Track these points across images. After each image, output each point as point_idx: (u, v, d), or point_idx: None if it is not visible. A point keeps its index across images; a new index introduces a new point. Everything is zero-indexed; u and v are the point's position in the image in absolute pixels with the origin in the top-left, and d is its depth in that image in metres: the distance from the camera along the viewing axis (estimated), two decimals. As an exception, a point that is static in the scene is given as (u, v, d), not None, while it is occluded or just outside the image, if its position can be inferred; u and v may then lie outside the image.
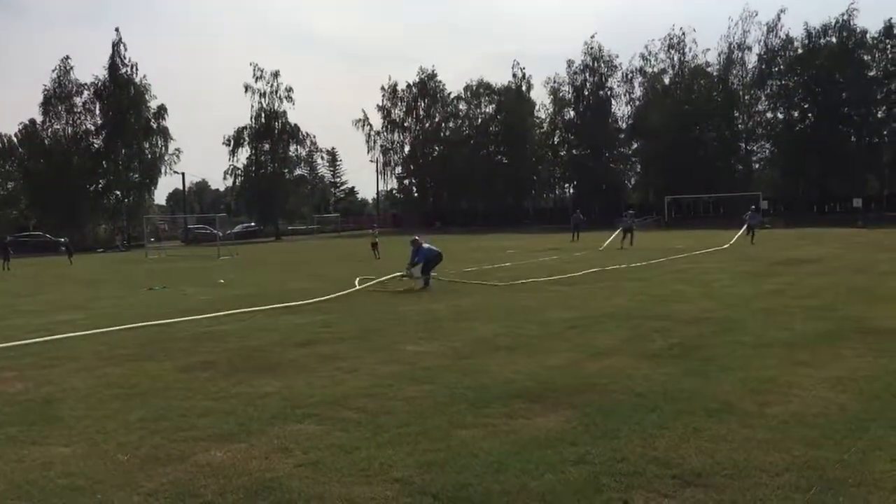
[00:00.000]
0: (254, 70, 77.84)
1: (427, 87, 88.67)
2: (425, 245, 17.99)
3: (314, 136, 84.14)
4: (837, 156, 65.35)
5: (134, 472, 5.14)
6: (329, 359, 8.91)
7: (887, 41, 67.39)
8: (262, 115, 78.28)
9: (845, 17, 68.32)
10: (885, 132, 69.93)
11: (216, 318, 13.37)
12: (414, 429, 5.88)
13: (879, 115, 69.68)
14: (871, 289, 14.48)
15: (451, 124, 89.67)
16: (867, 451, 5.01)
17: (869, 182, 71.36)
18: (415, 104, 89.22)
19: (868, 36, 68.01)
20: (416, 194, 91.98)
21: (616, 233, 36.11)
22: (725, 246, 30.31)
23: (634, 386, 7.02)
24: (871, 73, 68.06)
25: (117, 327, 12.45)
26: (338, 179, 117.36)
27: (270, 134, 78.32)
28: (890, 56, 67.65)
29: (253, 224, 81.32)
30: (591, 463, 4.97)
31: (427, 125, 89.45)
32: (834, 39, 68.61)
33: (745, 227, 35.29)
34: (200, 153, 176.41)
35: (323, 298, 15.65)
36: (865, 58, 68.11)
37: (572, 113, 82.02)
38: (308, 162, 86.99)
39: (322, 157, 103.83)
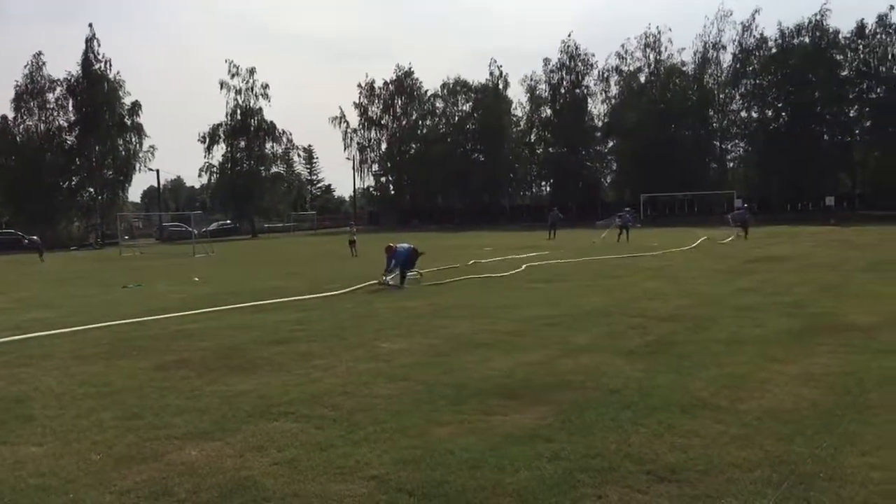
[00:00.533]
0: (229, 67, 77.24)
1: (404, 84, 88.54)
2: (399, 246, 17.90)
3: (291, 134, 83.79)
4: (810, 154, 66.12)
5: (107, 472, 5.09)
6: (305, 357, 8.88)
7: (859, 41, 68.31)
8: (238, 112, 77.66)
9: (818, 18, 69.22)
10: (856, 131, 70.92)
11: (191, 316, 13.27)
12: (390, 426, 5.87)
13: (851, 115, 70.67)
14: (842, 286, 14.67)
15: (428, 122, 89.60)
16: (838, 445, 5.08)
17: (841, 180, 72.29)
18: (392, 102, 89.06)
19: (840, 36, 68.93)
20: (392, 192, 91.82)
21: (609, 229, 37.02)
22: (725, 241, 30.59)
23: (610, 382, 7.06)
24: (844, 73, 68.96)
25: (91, 325, 12.33)
26: (314, 177, 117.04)
27: (246, 131, 77.72)
28: (861, 56, 68.58)
29: (229, 222, 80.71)
30: (567, 459, 4.99)
31: (404, 123, 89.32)
32: (807, 39, 69.44)
33: (739, 224, 36.70)
34: (176, 150, 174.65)
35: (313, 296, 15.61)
36: (838, 58, 68.97)
37: (549, 111, 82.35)
38: (284, 159, 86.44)
39: (299, 155, 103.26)
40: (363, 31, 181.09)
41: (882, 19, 67.18)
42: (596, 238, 37.12)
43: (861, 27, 67.99)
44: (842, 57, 69.23)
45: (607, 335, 9.76)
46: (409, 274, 17.59)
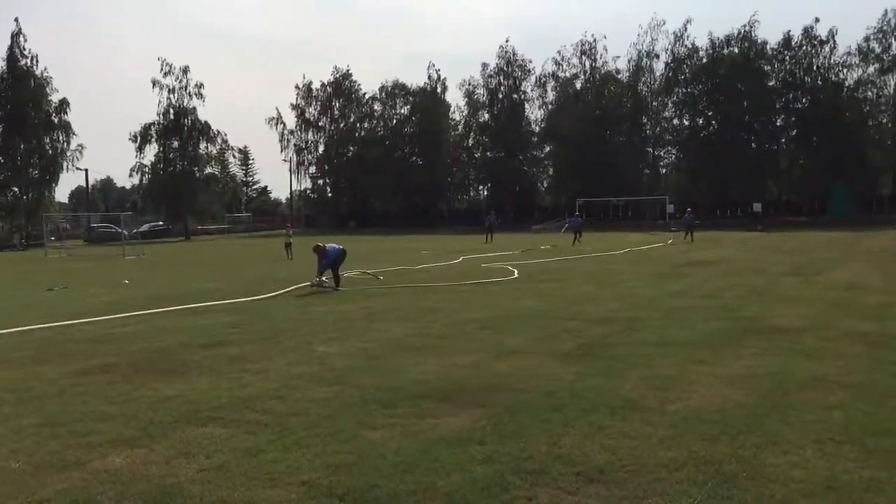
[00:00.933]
0: (162, 65, 75.61)
1: (342, 86, 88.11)
2: (328, 246, 17.73)
3: (225, 134, 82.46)
4: (739, 162, 68.05)
5: (27, 480, 4.91)
6: (237, 360, 8.73)
7: (785, 53, 70.65)
8: (171, 111, 76.09)
9: (747, 29, 71.35)
10: (782, 140, 73.37)
11: (119, 319, 12.93)
12: (322, 430, 5.81)
13: (778, 124, 73.05)
14: (768, 290, 15.10)
15: (366, 124, 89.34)
16: (761, 445, 5.21)
17: (768, 187, 74.48)
18: (330, 104, 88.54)
19: (768, 47, 71.22)
20: (330, 194, 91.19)
21: (563, 231, 38.77)
22: (669, 242, 31.11)
23: (542, 385, 7.11)
24: (771, 83, 71.24)
25: (12, 329, 11.91)
26: (250, 178, 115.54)
27: (180, 131, 76.13)
28: (788, 67, 70.93)
29: (161, 223, 79.00)
30: (498, 461, 5.00)
31: (342, 125, 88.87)
32: (736, 50, 71.52)
33: (685, 227, 39.49)
34: (106, 150, 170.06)
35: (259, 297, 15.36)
36: (765, 68, 71.24)
37: (487, 116, 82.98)
38: (219, 160, 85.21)
39: (234, 156, 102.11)
40: (300, 32, 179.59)
41: (807, 32, 69.68)
42: (546, 243, 37.51)
43: (787, 39, 70.36)
44: (769, 67, 71.53)
45: (541, 338, 9.85)
46: (330, 282, 17.36)
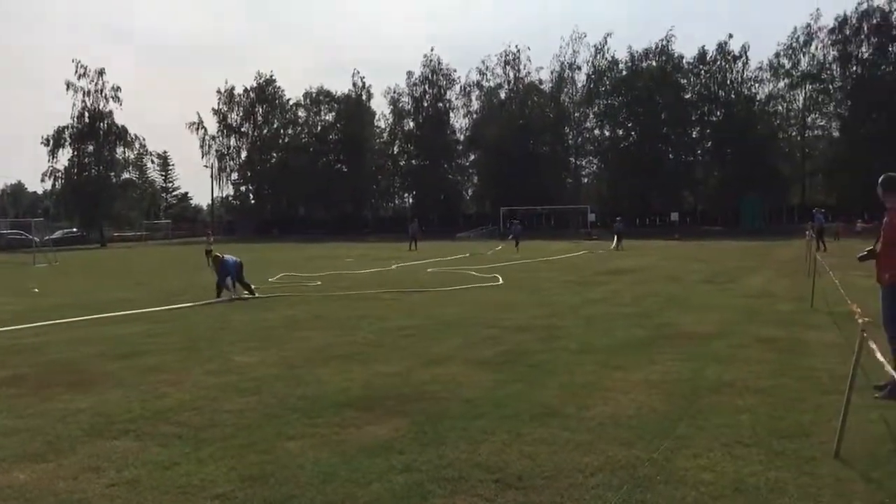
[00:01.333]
0: (76, 67, 73.30)
1: (265, 92, 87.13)
2: (227, 258, 17.32)
3: (144, 139, 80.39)
4: (657, 172, 70.03)
5: (-79, 501, 4.67)
6: (152, 371, 8.49)
7: (700, 67, 73.08)
8: (86, 114, 73.77)
9: (664, 43, 73.50)
10: (698, 151, 75.71)
11: (28, 329, 12.44)
12: (239, 441, 5.70)
13: (694, 136, 75.39)
14: (683, 297, 15.52)
15: (290, 131, 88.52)
16: (674, 449, 5.34)
17: (685, 197, 76.77)
18: (253, 109, 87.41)
19: (684, 61, 73.51)
20: (253, 201, 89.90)
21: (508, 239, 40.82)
22: (600, 252, 31.56)
23: (464, 393, 7.14)
24: (687, 96, 73.53)
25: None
26: (170, 184, 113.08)
27: (95, 135, 73.88)
28: (703, 81, 73.36)
29: (75, 230, 76.37)
30: (418, 470, 5.00)
31: (265, 131, 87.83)
32: (654, 63, 73.57)
33: (615, 235, 40.93)
34: (16, 154, 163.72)
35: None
36: (682, 81, 73.53)
37: (412, 124, 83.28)
38: (137, 165, 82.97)
39: (153, 161, 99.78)
40: (223, 36, 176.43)
41: (722, 47, 72.21)
42: (484, 250, 37.85)
43: (703, 54, 72.81)
44: (685, 81, 73.89)
45: (464, 345, 9.89)
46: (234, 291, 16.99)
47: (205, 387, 7.63)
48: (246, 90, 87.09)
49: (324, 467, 5.09)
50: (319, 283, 20.65)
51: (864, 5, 66.98)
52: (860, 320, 4.99)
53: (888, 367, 4.46)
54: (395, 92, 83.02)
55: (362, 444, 5.58)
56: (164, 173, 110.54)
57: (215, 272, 17.08)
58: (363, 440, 5.69)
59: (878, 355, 4.78)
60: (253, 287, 17.28)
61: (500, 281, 20.05)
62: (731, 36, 73.57)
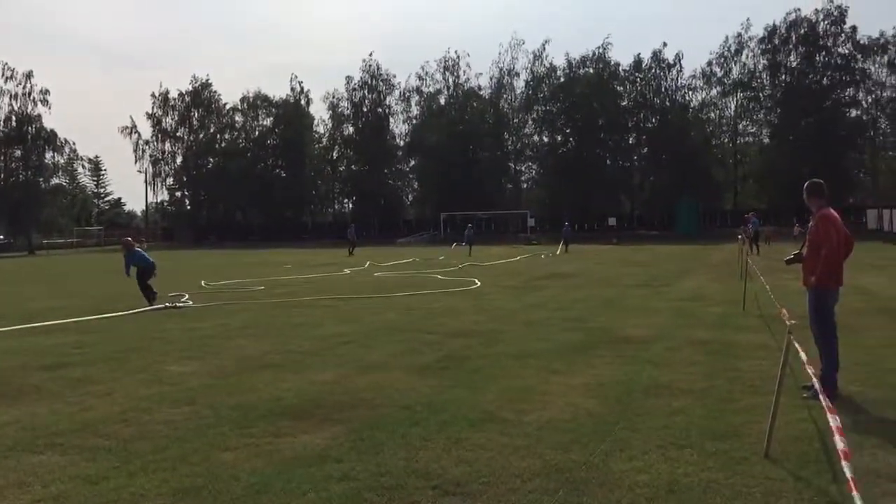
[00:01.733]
0: (3, 69, 71.04)
1: (201, 96, 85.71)
2: (138, 248, 17.00)
3: (74, 143, 78.30)
4: (595, 177, 71.10)
5: None
6: (80, 382, 8.24)
7: (636, 74, 74.49)
8: (13, 118, 71.53)
9: (601, 51, 74.73)
10: (634, 157, 77.13)
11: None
12: (171, 454, 5.56)
13: (630, 142, 76.77)
14: (619, 300, 15.76)
15: (227, 136, 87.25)
16: (610, 452, 5.40)
17: (622, 202, 78.05)
18: (188, 114, 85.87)
19: (620, 69, 74.86)
20: (189, 207, 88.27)
21: (459, 244, 41.73)
22: (545, 256, 31.75)
23: (402, 399, 7.11)
24: (623, 103, 74.83)
25: None
26: (102, 190, 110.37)
27: (23, 139, 71.72)
28: (639, 88, 74.81)
29: (2, 237, 73.90)
30: (355, 479, 4.95)
31: (201, 136, 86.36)
32: (591, 70, 74.67)
33: (562, 241, 42.86)
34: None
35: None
36: (618, 88, 74.81)
37: (351, 129, 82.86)
38: (67, 170, 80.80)
39: (84, 166, 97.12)
40: (158, 39, 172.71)
41: (656, 55, 73.72)
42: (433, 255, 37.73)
43: (638, 61, 74.26)
44: (622, 88, 75.26)
45: (402, 352, 9.86)
46: (178, 304, 16.64)
47: (136, 398, 7.44)
48: (181, 94, 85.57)
49: (258, 478, 5.00)
50: (262, 287, 20.40)
51: (793, 16, 69.36)
52: (788, 322, 5.13)
53: (809, 370, 4.58)
54: (334, 97, 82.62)
55: (298, 454, 5.51)
56: (95, 179, 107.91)
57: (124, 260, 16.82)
58: (299, 449, 5.62)
59: (803, 355, 4.91)
60: (156, 296, 16.76)
61: (478, 284, 20.09)
62: (665, 44, 75.00)
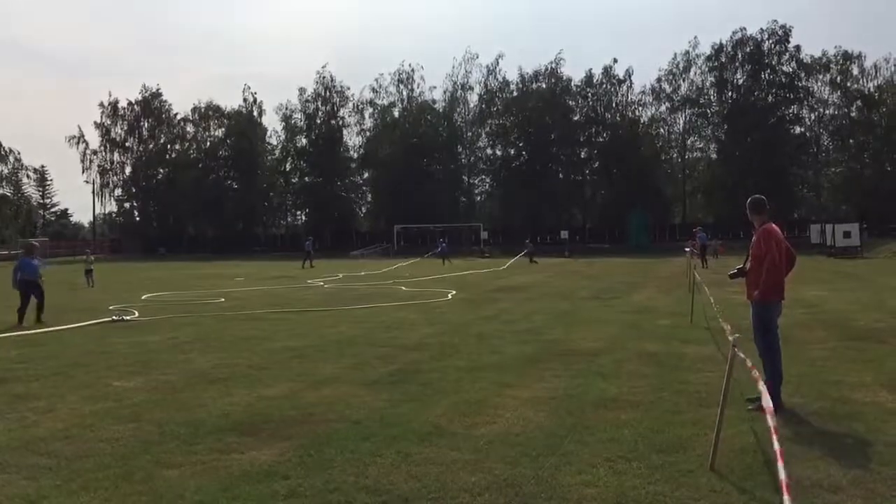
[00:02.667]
0: (-56, 76, 69.21)
1: (151, 106, 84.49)
2: (34, 261, 16.46)
3: (18, 152, 76.35)
4: (548, 191, 71.82)
5: None
6: (21, 399, 8.01)
7: (588, 90, 75.49)
8: (-45, 126, 69.72)
9: (553, 66, 75.63)
10: (586, 171, 78.08)
11: None
12: (114, 472, 5.43)
13: (582, 156, 77.74)
14: (572, 313, 15.89)
15: (177, 146, 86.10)
16: (559, 465, 5.42)
17: (574, 215, 78.86)
18: (138, 124, 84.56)
19: (572, 84, 75.77)
20: (138, 219, 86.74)
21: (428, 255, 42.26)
22: (500, 269, 31.82)
23: (352, 414, 7.05)
24: (575, 118, 75.78)
25: None
26: (48, 200, 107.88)
27: (-35, 148, 69.89)
28: (590, 103, 75.82)
29: (-58, 248, 71.77)
30: (303, 496, 4.89)
31: (151, 146, 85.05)
32: (544, 85, 75.54)
33: (524, 252, 45.14)
34: None
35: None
36: (570, 103, 75.70)
37: (305, 140, 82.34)
38: (11, 180, 78.77)
39: (28, 176, 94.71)
40: (107, 47, 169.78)
41: (607, 71, 74.88)
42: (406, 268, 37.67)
43: (589, 77, 75.32)
44: (574, 103, 76.19)
45: (353, 366, 9.79)
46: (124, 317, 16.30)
47: (79, 414, 7.25)
48: (131, 103, 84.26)
49: (204, 496, 4.90)
50: (213, 300, 20.11)
51: (739, 34, 70.98)
52: (730, 337, 5.21)
53: (754, 373, 4.64)
54: (287, 108, 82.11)
55: (244, 471, 5.42)
56: (41, 189, 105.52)
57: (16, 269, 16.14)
58: (245, 466, 5.53)
59: (748, 361, 4.98)
60: (43, 317, 15.91)
61: (451, 295, 20.05)
62: (615, 60, 76.28)
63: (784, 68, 70.63)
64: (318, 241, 55.63)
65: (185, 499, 4.86)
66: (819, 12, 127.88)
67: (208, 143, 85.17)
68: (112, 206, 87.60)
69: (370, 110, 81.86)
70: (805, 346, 10.49)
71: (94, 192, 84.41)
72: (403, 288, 24.56)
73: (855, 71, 71.71)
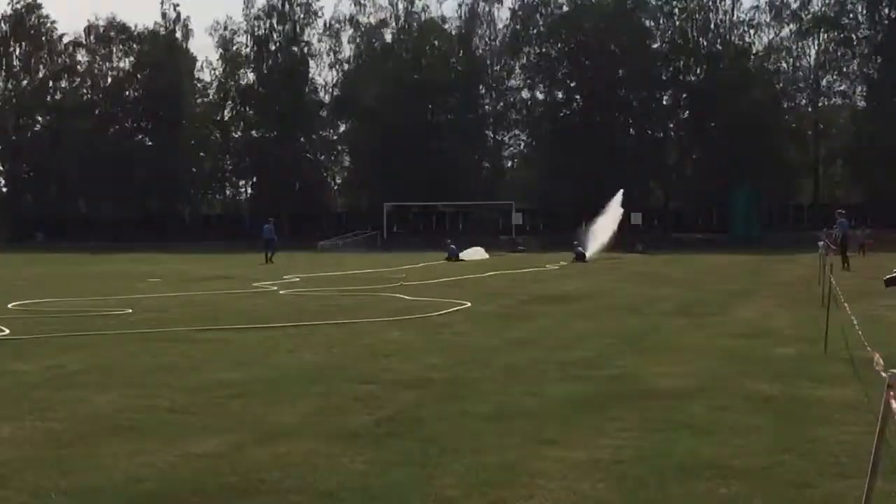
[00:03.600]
0: None
1: (26, 23, 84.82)
2: None
3: None
4: (611, 153, 70.82)
5: None
6: None
7: (674, 4, 74.45)
8: None
9: (624, -32, 74.89)
10: (670, 125, 77.21)
11: None
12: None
13: (665, 102, 76.84)
14: (646, 335, 15.88)
15: (63, 83, 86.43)
16: (627, 563, 5.43)
17: (652, 191, 78.05)
18: (5, 50, 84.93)
19: (651, -5, 74.95)
20: (4, 189, 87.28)
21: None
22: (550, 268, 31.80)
23: (320, 482, 7.06)
24: (655, 45, 75.05)
25: None
26: None
27: None
28: (677, 24, 74.82)
29: None
30: None
31: (25, 83, 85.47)
32: (608, -3, 74.83)
33: (574, 258, 44.63)
34: None
35: None
36: (648, 24, 75.02)
37: (252, 77, 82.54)
38: None
39: None
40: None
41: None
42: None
43: (677, -14, 74.42)
44: (652, 23, 75.45)
45: (321, 410, 9.82)
46: None
47: (-83, 479, 7.32)
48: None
49: None
50: (130, 310, 20.23)
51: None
52: (884, 374, 5.15)
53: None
54: (226, 28, 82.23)
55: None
56: None
57: None
58: (164, 558, 5.57)
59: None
60: None
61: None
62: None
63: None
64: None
65: None
66: None
67: (109, 79, 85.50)
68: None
69: (350, 32, 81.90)
70: None
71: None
72: (401, 296, 24.61)
73: None
